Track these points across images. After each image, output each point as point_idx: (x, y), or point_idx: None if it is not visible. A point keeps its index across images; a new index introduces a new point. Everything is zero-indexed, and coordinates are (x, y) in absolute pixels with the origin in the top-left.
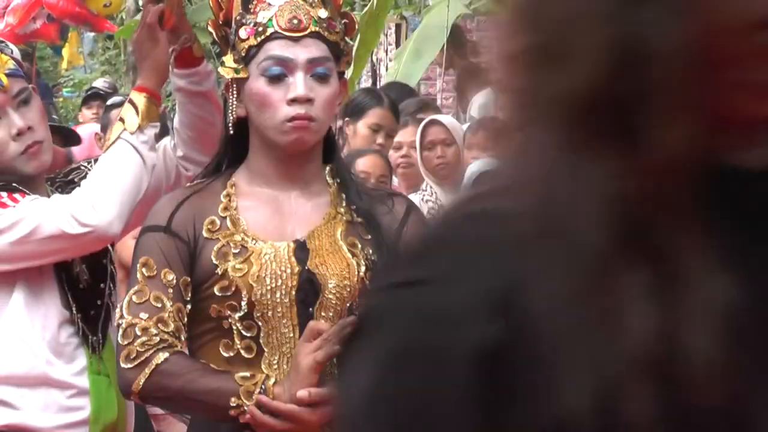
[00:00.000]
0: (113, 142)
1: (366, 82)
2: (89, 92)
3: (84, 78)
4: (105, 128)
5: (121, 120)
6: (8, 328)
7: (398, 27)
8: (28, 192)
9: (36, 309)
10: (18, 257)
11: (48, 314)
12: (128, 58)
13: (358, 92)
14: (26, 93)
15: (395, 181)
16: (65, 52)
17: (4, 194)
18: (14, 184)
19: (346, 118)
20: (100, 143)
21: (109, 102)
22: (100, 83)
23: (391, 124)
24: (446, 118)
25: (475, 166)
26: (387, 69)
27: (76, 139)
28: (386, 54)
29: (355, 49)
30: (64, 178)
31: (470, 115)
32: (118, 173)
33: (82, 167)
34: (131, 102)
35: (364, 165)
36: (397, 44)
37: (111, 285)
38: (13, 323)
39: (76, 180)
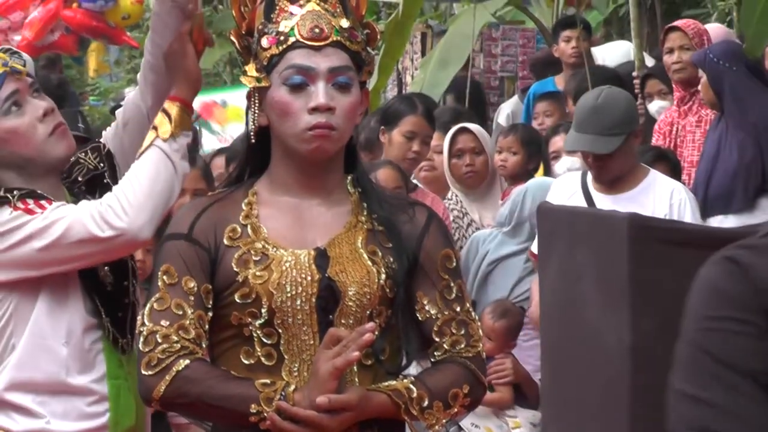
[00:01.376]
0: (146, 149)
1: (391, 91)
2: (119, 103)
3: (110, 86)
4: None
5: (154, 128)
6: (31, 335)
7: (424, 35)
8: (52, 199)
9: (60, 316)
10: (46, 263)
11: (72, 321)
12: None
13: (392, 100)
14: (37, 83)
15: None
16: (91, 60)
17: (31, 201)
18: (38, 192)
19: (382, 127)
20: None
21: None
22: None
23: (426, 131)
24: (475, 127)
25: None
26: (413, 78)
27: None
28: (412, 62)
29: (380, 57)
30: (68, 178)
31: (497, 122)
32: (150, 179)
33: (81, 161)
34: (164, 111)
35: (377, 178)
36: (423, 53)
37: (133, 281)
38: (37, 330)
39: (79, 179)
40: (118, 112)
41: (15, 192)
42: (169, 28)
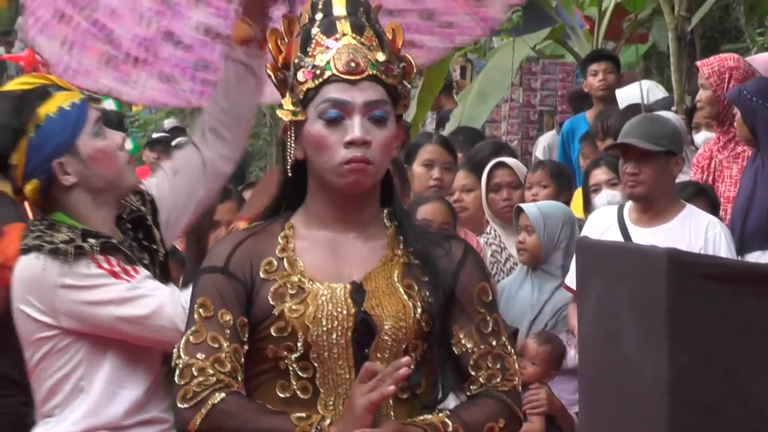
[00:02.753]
0: None
1: (430, 125)
2: (157, 135)
3: (149, 118)
4: None
5: None
6: (107, 383)
7: (463, 69)
8: (136, 262)
9: (137, 361)
10: (120, 332)
11: (150, 362)
12: None
13: (413, 138)
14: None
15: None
16: None
17: (114, 261)
18: (113, 241)
19: (406, 165)
20: None
21: (174, 142)
22: (168, 124)
23: (445, 158)
24: (513, 161)
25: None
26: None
27: None
28: None
29: (419, 91)
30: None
31: (535, 156)
32: None
33: (124, 200)
34: None
35: (425, 212)
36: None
37: None
38: (114, 378)
39: (124, 216)
40: (166, 164)
41: (91, 242)
42: (237, 94)
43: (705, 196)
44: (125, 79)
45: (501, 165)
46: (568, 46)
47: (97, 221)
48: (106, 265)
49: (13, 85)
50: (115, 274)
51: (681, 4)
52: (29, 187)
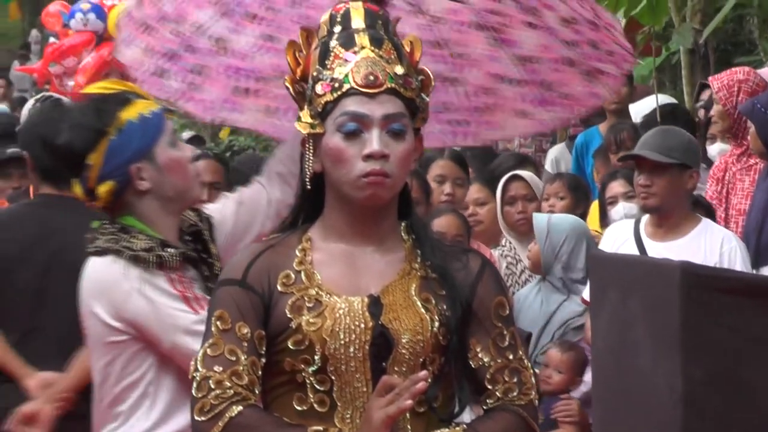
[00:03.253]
0: None
1: None
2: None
3: None
4: None
5: None
6: (177, 392)
7: None
8: (204, 294)
9: None
10: (171, 357)
11: None
12: None
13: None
14: None
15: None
16: None
17: (187, 283)
18: (191, 253)
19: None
20: None
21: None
22: (187, 135)
23: (456, 173)
24: (527, 174)
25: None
26: None
27: None
28: None
29: None
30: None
31: (545, 169)
32: None
33: (183, 216)
34: None
35: (439, 225)
36: None
37: None
38: (181, 387)
39: (183, 229)
40: (231, 195)
41: (170, 251)
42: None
43: (699, 206)
44: (236, 108)
45: (516, 178)
46: None
47: (164, 229)
48: (179, 287)
49: (94, 88)
50: (187, 301)
51: (693, 18)
52: (103, 189)
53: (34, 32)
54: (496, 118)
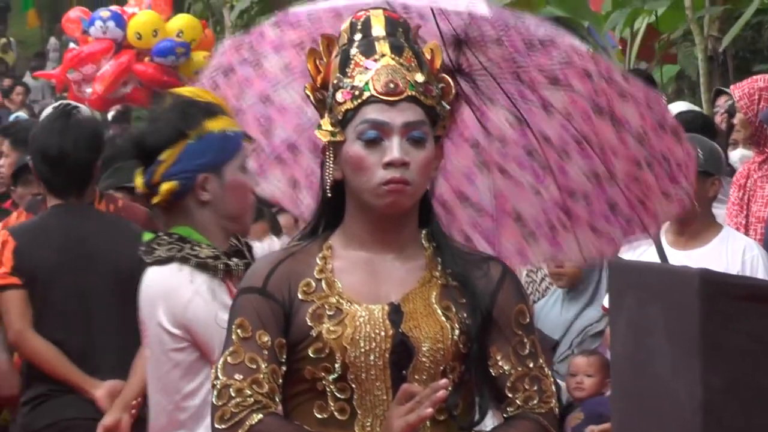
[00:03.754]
0: None
1: None
2: None
3: None
4: None
5: None
6: None
7: None
8: None
9: None
10: (193, 361)
11: None
12: None
13: None
14: None
15: None
16: None
17: None
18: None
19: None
20: None
21: None
22: None
23: None
24: None
25: None
26: None
27: None
28: None
29: None
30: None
31: None
32: None
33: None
34: None
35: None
36: None
37: None
38: None
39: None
40: (280, 239)
41: (236, 261)
42: None
43: None
44: (559, 246)
45: None
46: None
47: (217, 243)
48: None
49: (187, 92)
50: None
51: (711, 25)
52: (166, 187)
53: (53, 40)
54: (653, 204)
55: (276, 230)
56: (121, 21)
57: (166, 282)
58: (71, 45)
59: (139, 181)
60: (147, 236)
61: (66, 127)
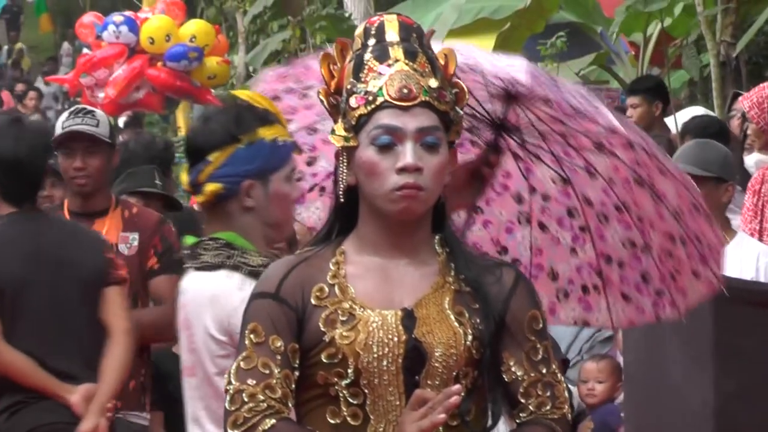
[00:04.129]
0: None
1: None
2: None
3: None
4: None
5: None
6: None
7: None
8: None
9: None
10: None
11: None
12: None
13: None
14: None
15: None
16: (179, 117)
17: None
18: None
19: None
20: None
21: None
22: None
23: None
24: None
25: None
26: None
27: (177, 207)
28: None
29: None
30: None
31: None
32: None
33: None
34: None
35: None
36: None
37: None
38: None
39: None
40: None
41: None
42: None
43: None
44: (590, 308)
45: None
46: (613, 71)
47: (259, 249)
48: None
49: (245, 95)
50: None
51: (724, 31)
52: (211, 188)
53: (66, 45)
54: (683, 281)
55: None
56: (134, 26)
57: (214, 288)
58: (84, 50)
59: (184, 179)
60: (189, 240)
61: (19, 133)
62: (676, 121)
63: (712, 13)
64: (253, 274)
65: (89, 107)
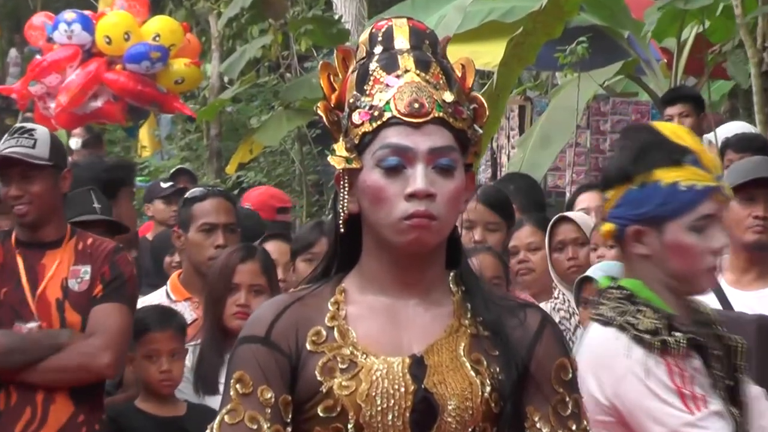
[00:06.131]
0: None
1: (484, 173)
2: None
3: (160, 165)
4: (184, 224)
5: None
6: None
7: (522, 109)
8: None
9: None
10: None
11: None
12: (211, 143)
13: None
14: None
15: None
16: (143, 136)
17: (687, 378)
18: (700, 339)
19: None
20: (179, 242)
21: (188, 195)
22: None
23: (487, 217)
24: (577, 215)
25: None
26: (509, 158)
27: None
28: (508, 140)
29: None
30: None
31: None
32: None
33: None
34: None
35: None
36: (521, 129)
37: None
38: None
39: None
40: None
41: (677, 336)
42: None
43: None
44: None
45: (564, 220)
46: (643, 82)
47: (669, 302)
48: (678, 381)
49: (666, 128)
50: (683, 397)
51: (766, 36)
52: (606, 227)
53: (13, 52)
54: None
55: (270, 273)
56: (88, 24)
57: (604, 347)
58: (37, 57)
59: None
60: (604, 282)
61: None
62: (716, 138)
63: (753, 16)
64: (639, 340)
65: (29, 125)
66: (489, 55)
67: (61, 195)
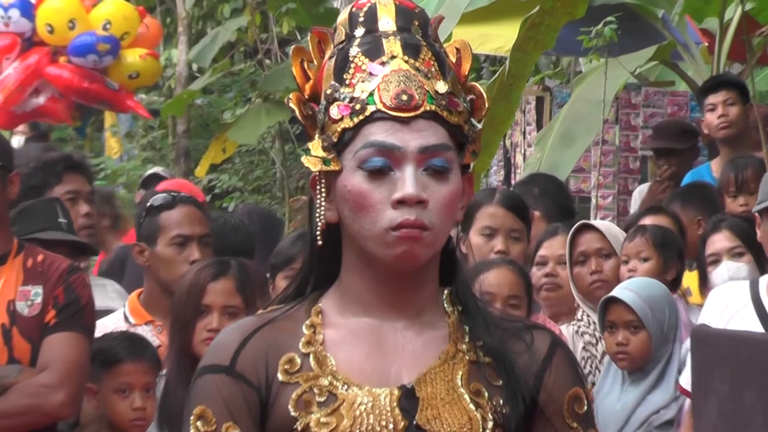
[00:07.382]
0: None
1: (497, 175)
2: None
3: (119, 167)
4: (150, 238)
5: None
6: None
7: (540, 101)
8: None
9: None
10: None
11: None
12: (178, 141)
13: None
14: None
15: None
16: (108, 137)
17: None
18: None
19: (461, 233)
20: (142, 257)
21: (151, 202)
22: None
23: (510, 224)
24: (602, 224)
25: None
26: (525, 158)
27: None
28: (524, 137)
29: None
30: None
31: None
32: None
33: None
34: None
35: (488, 281)
36: (539, 125)
37: None
38: None
39: None
40: None
41: None
42: None
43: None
44: None
45: (586, 228)
46: (680, 69)
47: None
48: None
49: None
50: None
51: None
52: None
53: None
54: None
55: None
56: (28, 9)
57: None
58: None
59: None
60: None
61: None
62: (765, 136)
63: None
64: None
65: None
66: (501, 38)
67: (7, 202)
